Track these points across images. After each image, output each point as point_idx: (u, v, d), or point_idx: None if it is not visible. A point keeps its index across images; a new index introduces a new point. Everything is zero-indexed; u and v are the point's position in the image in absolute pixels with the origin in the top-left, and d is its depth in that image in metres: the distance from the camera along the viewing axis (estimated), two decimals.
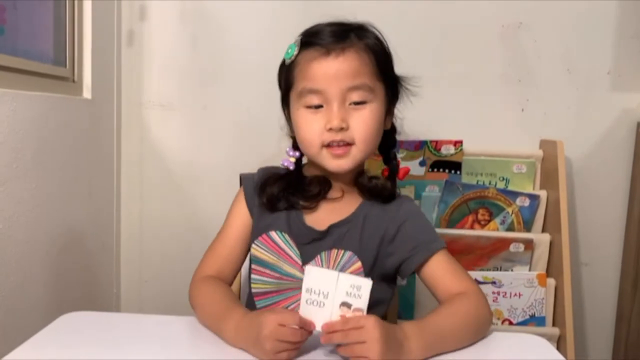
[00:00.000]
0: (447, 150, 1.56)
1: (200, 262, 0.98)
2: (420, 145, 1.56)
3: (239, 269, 1.01)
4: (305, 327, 0.76)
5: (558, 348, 1.47)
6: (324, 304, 0.76)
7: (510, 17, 1.61)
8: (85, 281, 1.51)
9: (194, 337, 0.86)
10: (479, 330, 0.87)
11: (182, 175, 1.70)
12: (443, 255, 0.94)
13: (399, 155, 1.53)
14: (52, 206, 1.31)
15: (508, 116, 1.65)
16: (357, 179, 0.99)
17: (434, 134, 1.57)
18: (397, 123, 1.03)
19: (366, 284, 0.75)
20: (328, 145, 0.91)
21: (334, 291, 0.75)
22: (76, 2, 1.46)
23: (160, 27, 1.65)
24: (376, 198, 0.98)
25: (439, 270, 0.93)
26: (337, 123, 0.89)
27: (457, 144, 1.56)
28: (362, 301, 0.75)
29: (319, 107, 0.91)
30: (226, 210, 1.02)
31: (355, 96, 0.90)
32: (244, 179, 1.01)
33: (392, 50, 0.98)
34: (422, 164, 1.57)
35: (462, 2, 1.60)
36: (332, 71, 0.90)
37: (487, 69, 1.63)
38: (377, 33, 0.97)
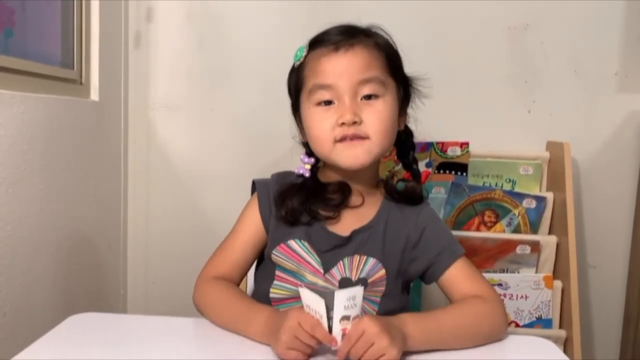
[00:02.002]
0: (454, 152, 1.56)
1: (207, 263, 0.97)
2: (426, 147, 1.56)
3: (245, 275, 1.00)
4: (323, 340, 0.75)
5: (565, 350, 1.47)
6: (323, 322, 0.76)
7: (517, 18, 1.61)
8: (93, 282, 1.52)
9: (202, 338, 0.86)
10: (490, 334, 0.86)
11: (189, 177, 1.70)
12: (463, 261, 0.94)
13: None
14: (60, 208, 1.32)
15: (514, 118, 1.64)
16: (387, 181, 0.98)
17: (440, 136, 1.57)
18: (411, 125, 1.02)
19: (359, 291, 0.75)
20: (341, 140, 0.88)
21: (331, 310, 0.75)
22: (84, 4, 1.47)
23: (168, 29, 1.66)
24: (405, 201, 0.97)
25: (459, 275, 0.92)
26: (350, 117, 0.86)
27: (464, 145, 1.55)
28: (357, 308, 0.75)
29: (329, 103, 0.89)
30: (234, 212, 1.01)
31: (367, 89, 0.88)
32: (257, 185, 0.98)
33: (399, 51, 0.98)
34: (428, 165, 1.56)
35: (468, 4, 1.60)
36: (342, 65, 0.89)
37: (493, 70, 1.63)
38: (386, 35, 0.96)
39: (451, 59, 1.62)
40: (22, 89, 1.18)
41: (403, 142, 1.01)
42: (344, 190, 0.94)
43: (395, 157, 1.05)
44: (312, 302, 0.75)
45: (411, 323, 0.79)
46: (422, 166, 1.56)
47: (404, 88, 0.96)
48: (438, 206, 1.55)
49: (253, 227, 0.96)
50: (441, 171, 1.56)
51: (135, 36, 1.66)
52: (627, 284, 1.65)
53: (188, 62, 1.67)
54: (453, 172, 1.56)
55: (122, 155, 1.66)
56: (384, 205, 0.97)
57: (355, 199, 0.95)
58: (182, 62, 1.67)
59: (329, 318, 0.75)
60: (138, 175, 1.70)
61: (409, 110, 1.00)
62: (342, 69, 0.88)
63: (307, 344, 0.75)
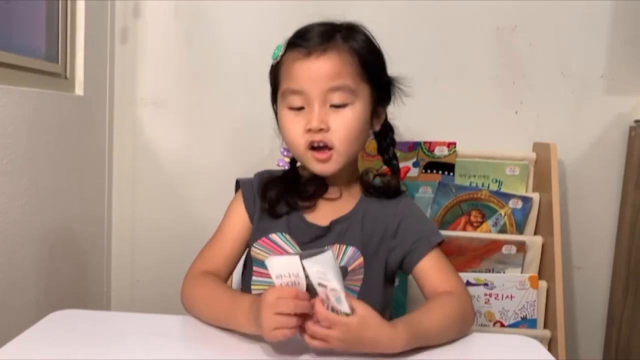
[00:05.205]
0: (441, 152, 1.56)
1: (195, 259, 0.97)
2: (414, 147, 1.56)
3: (233, 271, 1.01)
4: (300, 298, 0.74)
5: (549, 350, 1.47)
6: (299, 283, 0.75)
7: (505, 19, 1.61)
8: (76, 279, 1.50)
9: (186, 336, 0.86)
10: (463, 329, 0.89)
11: (175, 174, 1.69)
12: (437, 253, 0.96)
13: None
14: (43, 203, 1.30)
15: (502, 118, 1.65)
16: (362, 177, 1.00)
17: (427, 136, 1.57)
18: (396, 124, 1.03)
19: (327, 257, 0.71)
20: (312, 148, 0.91)
21: (303, 273, 0.73)
22: None
23: (155, 25, 1.64)
24: (381, 195, 0.99)
25: (431, 267, 0.95)
26: (316, 124, 0.89)
27: (451, 145, 1.56)
28: (333, 281, 0.71)
29: (300, 108, 0.91)
30: (220, 210, 1.01)
31: (336, 98, 0.90)
32: (242, 184, 1.01)
33: (386, 51, 0.98)
34: (415, 165, 1.56)
35: (457, 4, 1.60)
36: (313, 72, 0.90)
37: (481, 71, 1.63)
38: (368, 34, 0.96)
39: (439, 59, 1.62)
40: (4, 82, 1.16)
41: (383, 138, 1.03)
42: (319, 183, 0.97)
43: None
44: (285, 267, 0.74)
45: (402, 329, 0.79)
46: (408, 165, 1.56)
47: (381, 90, 0.97)
48: (425, 205, 1.55)
49: (240, 222, 0.99)
50: (428, 171, 1.56)
51: (122, 31, 1.64)
52: (611, 285, 1.66)
53: (175, 59, 1.65)
54: (440, 172, 1.56)
55: (107, 151, 1.64)
56: (363, 198, 1.00)
57: (332, 193, 0.98)
58: (169, 59, 1.65)
59: (306, 276, 0.74)
60: (123, 172, 1.69)
61: (392, 108, 1.01)
62: (312, 75, 0.90)
63: (290, 314, 0.73)
